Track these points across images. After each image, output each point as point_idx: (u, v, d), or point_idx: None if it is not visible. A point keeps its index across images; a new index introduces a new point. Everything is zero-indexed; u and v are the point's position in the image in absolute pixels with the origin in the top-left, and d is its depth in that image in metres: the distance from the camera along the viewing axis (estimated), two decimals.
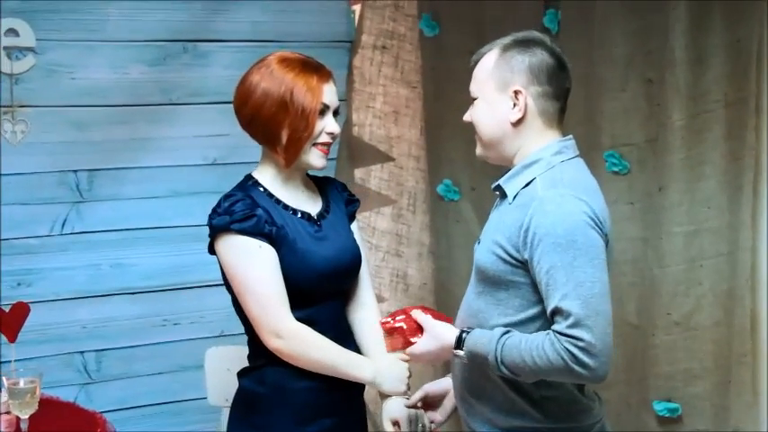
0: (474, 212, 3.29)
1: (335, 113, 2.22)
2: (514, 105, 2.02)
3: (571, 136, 2.08)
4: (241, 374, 2.29)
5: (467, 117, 2.10)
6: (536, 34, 2.07)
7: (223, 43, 3.24)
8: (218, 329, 3.25)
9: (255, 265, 2.13)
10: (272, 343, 2.15)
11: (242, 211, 2.14)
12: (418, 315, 2.12)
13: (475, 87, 2.08)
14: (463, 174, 3.29)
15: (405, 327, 2.12)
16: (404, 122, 3.39)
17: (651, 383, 2.81)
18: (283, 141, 2.17)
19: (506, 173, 2.08)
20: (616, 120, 2.83)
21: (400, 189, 3.38)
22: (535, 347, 1.89)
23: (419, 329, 2.11)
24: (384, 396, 2.24)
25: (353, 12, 3.45)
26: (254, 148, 3.13)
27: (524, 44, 2.04)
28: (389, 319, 2.16)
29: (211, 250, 2.22)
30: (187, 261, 3.20)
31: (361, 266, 2.32)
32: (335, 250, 2.23)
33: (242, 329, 3.09)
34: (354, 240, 2.32)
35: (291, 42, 3.21)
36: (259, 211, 2.15)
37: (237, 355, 2.72)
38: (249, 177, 2.27)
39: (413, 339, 2.11)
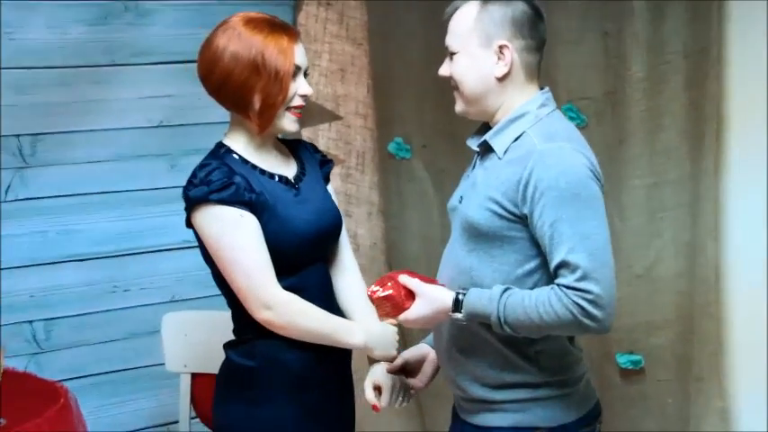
0: (426, 170, 3.29)
1: (305, 74, 2.16)
2: (498, 60, 1.99)
3: (548, 88, 2.07)
4: (228, 347, 2.22)
5: (444, 71, 2.06)
6: None
7: (166, 1, 3.14)
8: (169, 295, 3.20)
9: (238, 236, 2.06)
10: (262, 315, 2.08)
11: (219, 180, 2.06)
12: (407, 280, 2.06)
13: (454, 42, 2.04)
14: (414, 131, 3.28)
15: (394, 294, 2.05)
16: (350, 80, 3.34)
17: (613, 336, 2.84)
18: (256, 107, 2.09)
19: (484, 128, 2.06)
20: (572, 73, 2.84)
21: (348, 148, 3.35)
22: (541, 303, 1.88)
23: (410, 295, 2.05)
24: (372, 361, 2.21)
25: None
26: (201, 110, 3.08)
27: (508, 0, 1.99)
28: (378, 288, 2.08)
29: (188, 223, 2.14)
30: (135, 226, 3.15)
31: (341, 232, 2.27)
32: (316, 212, 2.18)
33: (195, 294, 3.20)
34: (333, 202, 2.27)
35: (234, 1, 3.12)
36: (237, 179, 2.07)
37: (195, 320, 2.83)
38: (221, 145, 2.18)
39: (405, 306, 2.05)
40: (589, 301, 1.85)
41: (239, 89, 2.09)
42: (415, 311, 2.03)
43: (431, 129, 3.23)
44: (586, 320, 1.86)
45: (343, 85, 3.33)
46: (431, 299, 2.02)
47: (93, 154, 3.08)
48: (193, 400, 2.80)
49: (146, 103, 3.15)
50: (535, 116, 2.01)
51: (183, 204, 3.16)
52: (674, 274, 2.76)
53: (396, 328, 2.21)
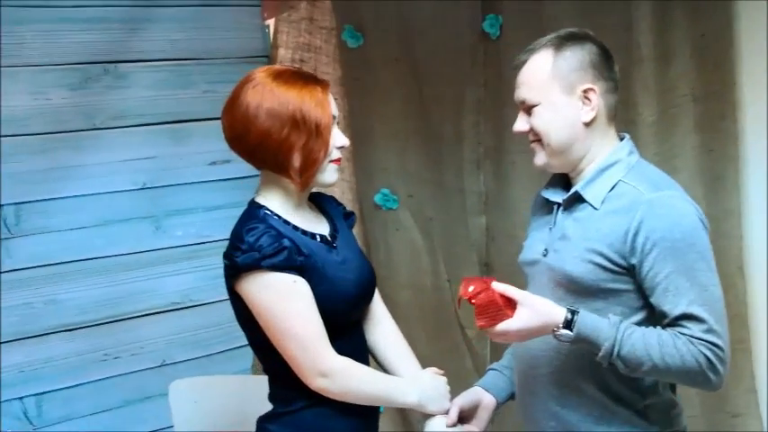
0: (413, 219, 3.30)
1: (338, 124, 2.10)
2: (584, 105, 1.96)
3: (628, 136, 2.04)
4: (267, 420, 2.10)
5: (521, 127, 2.01)
6: (575, 29, 2.01)
7: (143, 63, 3.11)
8: (159, 359, 3.13)
9: (293, 303, 1.97)
10: (318, 383, 1.99)
11: (270, 245, 1.95)
12: (505, 287, 1.90)
13: (532, 94, 1.98)
14: (399, 182, 3.29)
15: (497, 299, 1.89)
16: None
17: None
18: (296, 165, 2.00)
19: (558, 179, 2.02)
20: None
21: None
22: (665, 345, 1.83)
23: (509, 303, 1.90)
24: (427, 415, 2.12)
25: (267, 27, 3.38)
26: (182, 170, 3.18)
27: (575, 39, 1.98)
28: (474, 293, 1.90)
29: (231, 290, 2.03)
30: (122, 291, 3.08)
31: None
32: (357, 271, 2.10)
33: (185, 356, 3.16)
34: (366, 257, 2.21)
35: (211, 60, 3.21)
36: (286, 242, 1.97)
37: (204, 386, 2.74)
38: (257, 205, 2.06)
39: (508, 314, 1.89)
40: (716, 355, 1.83)
41: (279, 148, 1.99)
42: (519, 322, 1.89)
43: (415, 178, 3.24)
44: (710, 373, 1.83)
45: None
46: (538, 310, 1.89)
47: (76, 220, 3.01)
48: None
49: (128, 165, 3.10)
50: (627, 164, 1.97)
51: (169, 266, 3.12)
52: None
53: (445, 379, 2.14)
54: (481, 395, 2.18)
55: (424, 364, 2.18)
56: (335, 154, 2.06)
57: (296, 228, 2.05)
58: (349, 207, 3.35)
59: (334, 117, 2.05)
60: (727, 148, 2.77)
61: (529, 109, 2.00)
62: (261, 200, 2.08)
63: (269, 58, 3.33)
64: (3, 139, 2.85)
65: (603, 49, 2.00)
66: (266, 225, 2.00)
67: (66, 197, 2.99)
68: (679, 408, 2.04)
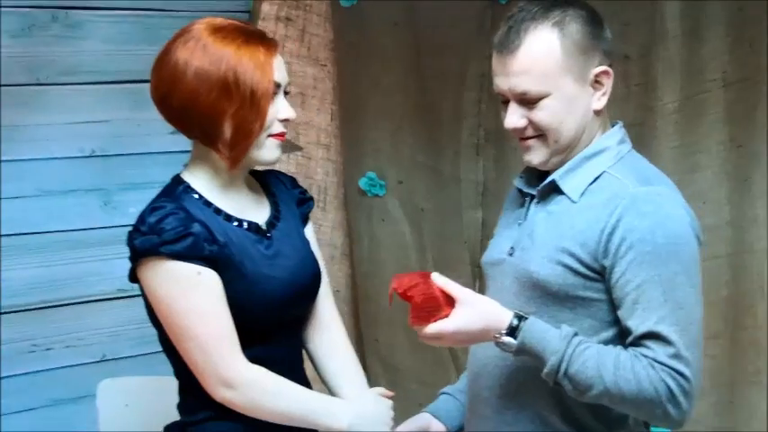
0: (402, 209, 3.02)
1: (286, 93, 1.86)
2: (595, 91, 1.75)
3: (621, 123, 1.83)
4: (170, 430, 1.93)
5: (517, 123, 1.76)
6: None
7: (100, 12, 2.80)
8: (99, 353, 2.85)
9: (195, 299, 1.77)
10: (222, 394, 1.79)
11: (174, 228, 1.75)
12: (446, 282, 1.71)
13: (538, 84, 1.73)
14: (390, 165, 3.02)
15: (437, 294, 1.70)
16: (311, 106, 3.07)
17: None
18: (227, 136, 1.79)
19: (530, 168, 1.83)
20: None
21: (309, 183, 3.05)
22: (622, 367, 1.64)
23: (449, 301, 1.70)
24: None
25: None
26: (141, 137, 2.82)
27: (566, 5, 1.75)
28: (412, 283, 1.72)
29: (132, 277, 1.85)
30: (61, 273, 2.79)
31: (321, 284, 1.98)
32: (291, 270, 1.88)
33: (130, 351, 2.83)
34: (311, 252, 1.98)
35: (181, 11, 2.87)
36: (196, 228, 1.76)
37: (137, 387, 2.49)
38: (179, 180, 1.87)
39: (445, 312, 1.70)
40: (679, 386, 1.63)
41: (206, 114, 1.78)
42: (457, 322, 1.70)
43: (409, 163, 2.98)
44: (669, 406, 1.64)
45: (303, 111, 3.04)
46: (480, 310, 1.71)
47: (12, 188, 2.70)
48: None
49: (76, 129, 2.80)
50: (616, 153, 1.77)
51: (118, 247, 2.75)
52: (709, 335, 2.49)
53: (390, 402, 1.93)
54: (429, 422, 2.00)
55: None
56: (277, 128, 1.85)
57: (218, 211, 1.86)
58: (332, 192, 3.14)
59: (278, 84, 1.83)
60: (758, 145, 2.52)
61: (530, 101, 1.75)
62: (185, 175, 1.90)
63: (250, 13, 3.02)
64: None
65: (592, 10, 1.78)
66: (176, 205, 1.81)
67: (2, 161, 2.67)
68: None
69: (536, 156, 1.79)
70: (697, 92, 2.56)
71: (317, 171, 3.09)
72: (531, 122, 1.77)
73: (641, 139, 2.51)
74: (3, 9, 2.64)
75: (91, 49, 2.79)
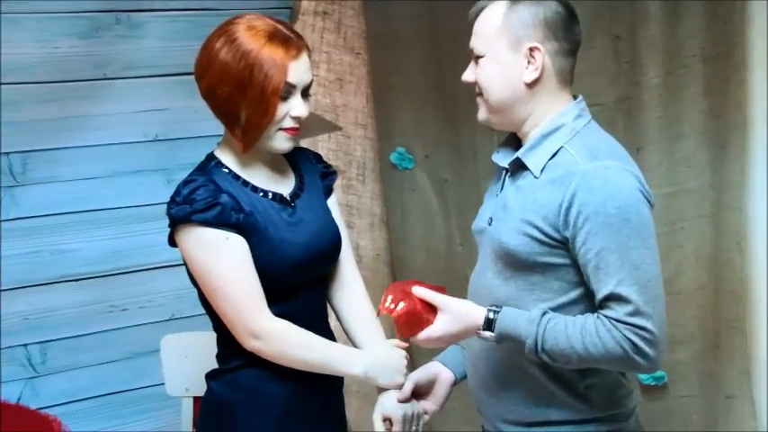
0: (429, 180, 3.21)
1: (306, 93, 1.97)
2: (528, 64, 1.84)
3: (581, 97, 1.92)
4: (211, 377, 2.09)
5: (468, 77, 1.92)
6: None
7: (158, 13, 3.06)
8: (168, 313, 3.12)
9: (224, 261, 1.91)
10: (250, 344, 1.94)
11: (204, 199, 1.90)
12: (424, 293, 1.87)
13: (480, 45, 1.89)
14: (416, 141, 3.21)
15: (417, 308, 1.86)
16: (349, 90, 3.24)
17: None
18: (241, 123, 1.93)
19: (511, 140, 1.93)
20: (581, 79, 2.74)
21: (349, 159, 3.25)
22: (588, 334, 1.75)
23: (430, 309, 1.87)
24: (380, 389, 2.04)
25: None
26: (197, 123, 3.06)
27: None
28: (393, 303, 1.88)
29: (172, 242, 2.01)
30: (131, 244, 3.05)
31: (342, 247, 2.11)
32: (312, 235, 2.02)
33: (194, 311, 2.90)
34: (333, 220, 2.11)
35: (229, 10, 2.93)
36: (223, 198, 1.91)
37: (195, 342, 2.68)
38: (211, 157, 2.02)
39: (428, 321, 1.86)
40: (642, 338, 1.73)
41: (224, 102, 1.93)
42: (439, 328, 1.86)
43: (433, 138, 3.15)
44: (638, 357, 1.74)
45: (341, 95, 3.24)
46: (457, 314, 1.85)
47: (86, 170, 2.99)
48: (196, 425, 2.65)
49: (139, 117, 3.07)
50: (571, 129, 1.86)
51: None
52: (697, 287, 2.65)
53: (403, 352, 2.04)
54: (438, 370, 2.09)
55: None
56: (288, 123, 1.96)
57: (246, 183, 2.00)
58: (370, 166, 3.32)
59: (292, 85, 1.93)
60: (733, 114, 2.60)
61: (477, 59, 1.91)
62: (217, 152, 2.04)
63: (291, 9, 3.22)
64: (3, 86, 2.82)
65: (567, 8, 1.88)
66: (206, 178, 1.95)
67: (75, 147, 2.97)
68: (626, 389, 1.93)
69: (480, 113, 1.92)
70: (678, 67, 2.65)
71: (356, 148, 3.22)
72: (476, 80, 1.90)
73: (631, 112, 2.65)
74: (72, 15, 2.91)
75: (150, 46, 3.03)
